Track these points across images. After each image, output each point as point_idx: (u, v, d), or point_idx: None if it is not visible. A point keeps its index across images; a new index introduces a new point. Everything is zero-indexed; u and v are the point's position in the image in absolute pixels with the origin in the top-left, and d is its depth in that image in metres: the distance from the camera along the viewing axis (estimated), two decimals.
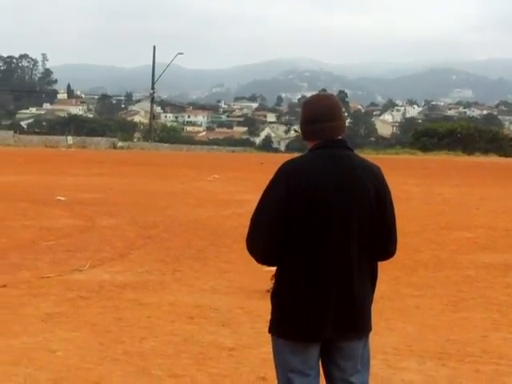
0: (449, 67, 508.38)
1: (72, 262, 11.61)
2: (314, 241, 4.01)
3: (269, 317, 8.59)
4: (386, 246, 4.24)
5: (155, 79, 75.57)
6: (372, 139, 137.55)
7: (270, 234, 4.04)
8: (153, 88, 76.76)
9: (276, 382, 6.37)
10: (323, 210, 4.00)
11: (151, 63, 75.88)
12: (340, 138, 4.23)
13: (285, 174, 4.07)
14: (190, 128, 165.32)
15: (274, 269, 10.03)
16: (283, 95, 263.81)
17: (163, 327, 8.15)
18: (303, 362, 4.15)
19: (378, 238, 4.15)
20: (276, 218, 4.02)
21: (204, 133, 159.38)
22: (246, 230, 12.43)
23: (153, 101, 79.65)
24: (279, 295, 4.17)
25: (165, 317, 8.57)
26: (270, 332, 4.26)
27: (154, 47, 74.33)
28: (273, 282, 10.00)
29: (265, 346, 7.47)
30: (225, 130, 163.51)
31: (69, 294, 9.54)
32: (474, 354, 7.37)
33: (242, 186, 25.50)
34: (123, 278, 10.55)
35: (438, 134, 66.00)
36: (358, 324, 4.16)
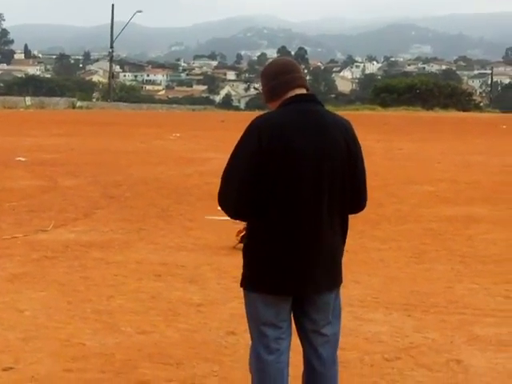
0: (409, 23, 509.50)
1: (36, 223, 11.55)
2: (286, 196, 4.03)
3: (236, 273, 8.66)
4: (357, 200, 4.27)
5: (114, 38, 74.72)
6: (332, 96, 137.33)
7: (241, 190, 4.05)
8: (111, 47, 75.97)
9: (248, 335, 6.45)
10: (295, 165, 4.00)
11: (108, 22, 75.01)
12: (309, 92, 4.25)
13: (256, 130, 4.07)
14: (149, 87, 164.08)
15: (239, 226, 10.09)
16: (243, 53, 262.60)
17: (130, 285, 8.17)
18: (275, 315, 4.18)
19: (350, 192, 4.18)
20: (247, 173, 4.02)
21: (163, 91, 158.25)
22: (208, 188, 12.49)
23: (112, 60, 78.83)
24: (251, 250, 4.19)
25: (131, 275, 8.59)
26: (241, 286, 4.29)
27: (113, 5, 73.28)
28: (238, 238, 10.10)
29: (233, 301, 7.57)
30: (184, 88, 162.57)
31: (34, 254, 9.49)
32: (438, 305, 7.50)
33: (203, 144, 25.45)
34: (88, 238, 10.52)
35: (397, 89, 66.17)
36: (329, 277, 4.19)
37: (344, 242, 4.32)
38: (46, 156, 20.94)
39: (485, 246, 10.35)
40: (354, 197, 4.24)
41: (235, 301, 7.60)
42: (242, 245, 9.78)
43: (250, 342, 6.17)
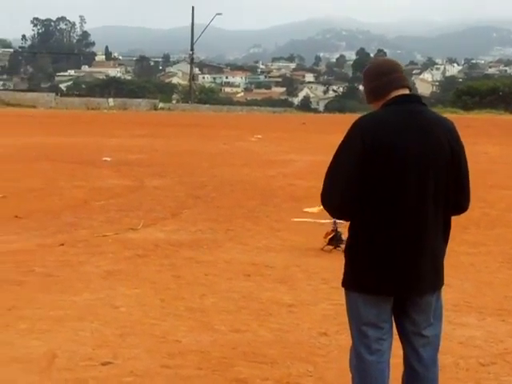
0: (490, 25, 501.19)
1: (125, 221, 11.77)
2: (390, 196, 4.04)
3: (324, 274, 8.73)
4: (460, 201, 4.27)
5: (194, 40, 75.38)
6: None
7: (345, 190, 4.07)
8: (192, 49, 76.58)
9: (341, 336, 6.49)
10: (399, 165, 4.02)
11: (187, 24, 75.74)
12: (412, 93, 4.26)
13: (359, 130, 4.09)
14: (227, 89, 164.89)
15: (327, 228, 10.08)
16: (321, 55, 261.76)
17: (221, 284, 8.26)
18: (377, 316, 4.19)
19: (453, 193, 4.18)
20: (351, 173, 4.04)
21: (242, 94, 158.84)
22: (292, 189, 12.55)
23: (192, 62, 79.49)
24: (354, 249, 4.20)
25: (222, 274, 8.69)
26: (343, 286, 4.30)
27: (193, 8, 73.92)
28: (326, 240, 10.12)
29: (323, 302, 7.61)
30: (263, 90, 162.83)
31: (126, 252, 9.68)
32: None
33: (285, 145, 25.52)
34: (177, 237, 10.68)
35: (479, 92, 65.26)
36: (432, 278, 4.19)
37: (446, 243, 4.31)
38: (131, 156, 21.29)
39: None
40: (458, 197, 4.24)
41: (326, 302, 7.64)
42: (329, 247, 9.88)
43: (344, 343, 6.23)
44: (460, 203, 4.29)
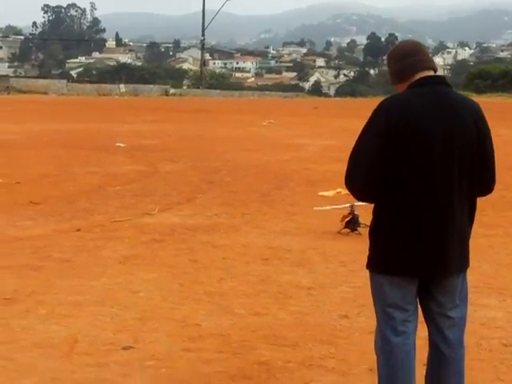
0: (501, 8, 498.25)
1: (141, 207, 11.76)
2: (415, 177, 3.99)
3: (342, 257, 8.71)
4: (486, 181, 4.22)
5: (205, 26, 75.21)
6: None
7: (369, 171, 4.03)
8: (203, 35, 76.51)
9: (362, 319, 6.46)
10: (424, 146, 3.97)
11: (198, 10, 75.74)
12: (437, 74, 4.21)
13: (384, 111, 4.04)
14: (238, 74, 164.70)
15: (343, 211, 10.05)
16: (332, 39, 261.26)
17: (239, 268, 8.24)
18: (402, 297, 4.16)
19: (479, 173, 4.14)
20: (376, 154, 4.00)
21: (253, 79, 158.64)
22: (307, 174, 12.47)
23: (203, 47, 79.44)
24: (378, 231, 4.15)
25: (239, 258, 8.67)
26: (368, 268, 4.26)
27: None
28: (343, 223, 10.09)
29: (342, 285, 7.59)
30: (274, 75, 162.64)
31: (142, 237, 9.67)
32: None
33: (298, 130, 25.47)
34: (193, 222, 10.66)
35: (492, 75, 65.04)
36: (458, 260, 4.16)
37: (472, 224, 4.28)
38: (144, 142, 21.29)
39: None
40: (484, 178, 4.19)
41: (344, 285, 7.62)
42: (346, 230, 9.85)
43: (365, 326, 6.21)
44: (486, 183, 4.24)
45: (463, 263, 4.23)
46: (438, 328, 4.26)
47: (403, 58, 4.18)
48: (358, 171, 4.08)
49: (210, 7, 77.57)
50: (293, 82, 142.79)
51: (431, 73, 4.19)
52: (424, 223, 4.02)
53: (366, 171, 4.04)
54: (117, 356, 5.66)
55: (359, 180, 4.09)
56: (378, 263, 4.18)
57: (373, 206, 4.21)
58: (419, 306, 4.28)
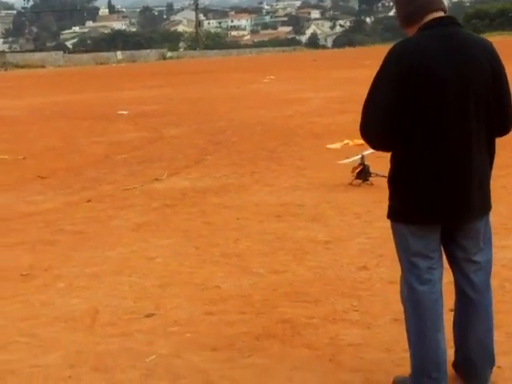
0: None
1: (149, 173, 11.69)
2: (431, 123, 3.91)
3: (356, 209, 8.67)
4: (503, 121, 4.14)
5: None
6: None
7: (384, 119, 3.95)
8: None
9: (382, 269, 6.42)
10: (439, 89, 3.88)
11: None
12: (447, 15, 4.10)
13: (396, 56, 3.95)
14: (234, 33, 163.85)
15: (353, 163, 9.97)
16: None
17: (253, 227, 8.19)
18: (426, 245, 4.09)
19: (495, 114, 4.05)
20: (390, 101, 3.91)
21: (249, 36, 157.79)
22: (312, 127, 12.35)
23: (197, 8, 78.86)
24: (398, 180, 4.08)
25: (253, 217, 8.61)
26: (389, 218, 4.19)
27: None
28: (354, 174, 10.01)
29: (359, 236, 7.54)
30: (269, 31, 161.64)
31: (153, 203, 9.61)
32: None
33: (299, 84, 25.31)
34: (203, 184, 10.61)
35: (489, 15, 64.58)
36: (479, 203, 4.10)
37: (491, 166, 4.21)
38: (145, 108, 21.17)
39: None
40: (501, 118, 4.11)
41: (361, 236, 7.57)
42: (358, 181, 9.79)
43: (385, 276, 6.17)
44: (503, 123, 4.16)
45: (485, 206, 4.17)
46: (463, 273, 4.21)
47: (411, 1, 4.06)
48: (373, 120, 4.00)
49: None
50: (289, 36, 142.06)
51: (441, 14, 4.08)
52: (442, 169, 3.95)
53: (382, 119, 3.96)
54: (140, 324, 5.63)
55: (375, 129, 4.02)
56: (399, 213, 4.12)
57: (389, 155, 4.14)
58: (443, 252, 4.23)
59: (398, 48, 3.99)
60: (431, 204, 3.98)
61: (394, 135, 3.98)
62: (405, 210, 4.07)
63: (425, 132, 3.92)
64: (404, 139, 3.97)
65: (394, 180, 4.11)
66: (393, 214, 4.16)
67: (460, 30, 4.05)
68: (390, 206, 4.18)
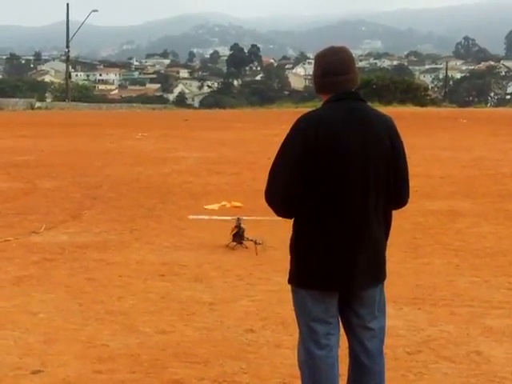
0: (359, 19, 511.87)
1: (26, 225, 11.51)
2: (332, 191, 4.12)
3: (238, 271, 8.77)
4: (400, 195, 4.39)
5: (70, 38, 73.91)
6: (286, 93, 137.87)
7: (287, 188, 4.14)
8: (68, 46, 75.05)
9: (268, 333, 6.56)
10: (340, 160, 4.09)
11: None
12: (353, 90, 4.34)
13: (302, 127, 4.15)
14: (102, 86, 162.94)
15: (232, 224, 10.09)
16: (195, 51, 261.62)
17: (137, 285, 8.20)
18: (325, 311, 4.27)
19: (393, 187, 4.30)
20: (294, 170, 4.10)
21: (116, 91, 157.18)
22: (189, 186, 12.49)
23: (68, 60, 78.13)
24: (298, 246, 4.25)
25: (136, 275, 8.62)
26: (289, 283, 4.34)
27: (68, 4, 72.46)
28: (230, 236, 10.12)
29: (243, 299, 7.66)
30: (138, 87, 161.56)
31: (33, 256, 9.48)
32: (445, 298, 7.66)
33: (172, 143, 25.41)
34: (83, 239, 10.52)
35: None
36: (375, 272, 4.31)
37: (387, 237, 4.42)
38: (17, 158, 20.76)
39: (475, 239, 10.54)
40: (399, 190, 4.35)
41: (245, 299, 7.70)
42: (233, 243, 9.93)
43: (272, 339, 6.31)
44: (400, 197, 4.42)
45: (380, 275, 4.38)
46: (358, 339, 4.39)
47: (333, 74, 4.25)
48: (277, 188, 4.18)
49: (69, 18, 76.07)
50: (157, 94, 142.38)
51: (351, 89, 4.31)
52: (340, 237, 4.15)
53: (285, 188, 4.15)
54: (27, 381, 5.57)
55: (278, 196, 4.20)
56: (299, 278, 4.28)
57: (292, 220, 4.32)
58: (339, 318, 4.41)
59: (304, 119, 4.20)
60: (327, 271, 4.16)
61: (295, 203, 4.16)
62: (304, 275, 4.24)
63: (325, 201, 4.12)
64: (305, 208, 4.15)
65: (294, 246, 4.28)
66: (293, 279, 4.32)
67: (364, 104, 4.30)
68: (290, 271, 4.34)
